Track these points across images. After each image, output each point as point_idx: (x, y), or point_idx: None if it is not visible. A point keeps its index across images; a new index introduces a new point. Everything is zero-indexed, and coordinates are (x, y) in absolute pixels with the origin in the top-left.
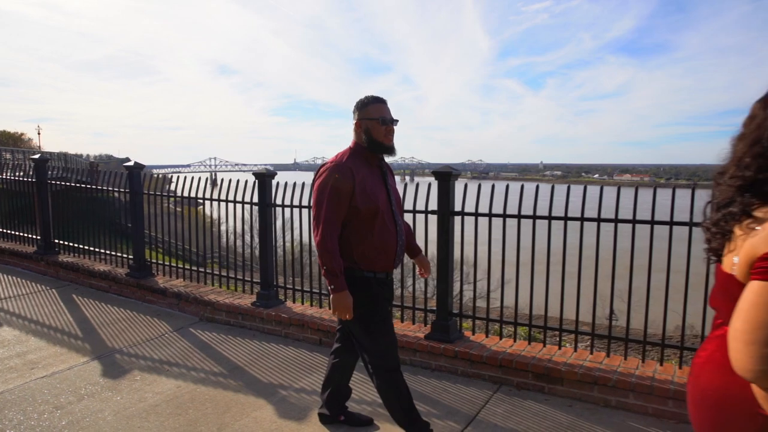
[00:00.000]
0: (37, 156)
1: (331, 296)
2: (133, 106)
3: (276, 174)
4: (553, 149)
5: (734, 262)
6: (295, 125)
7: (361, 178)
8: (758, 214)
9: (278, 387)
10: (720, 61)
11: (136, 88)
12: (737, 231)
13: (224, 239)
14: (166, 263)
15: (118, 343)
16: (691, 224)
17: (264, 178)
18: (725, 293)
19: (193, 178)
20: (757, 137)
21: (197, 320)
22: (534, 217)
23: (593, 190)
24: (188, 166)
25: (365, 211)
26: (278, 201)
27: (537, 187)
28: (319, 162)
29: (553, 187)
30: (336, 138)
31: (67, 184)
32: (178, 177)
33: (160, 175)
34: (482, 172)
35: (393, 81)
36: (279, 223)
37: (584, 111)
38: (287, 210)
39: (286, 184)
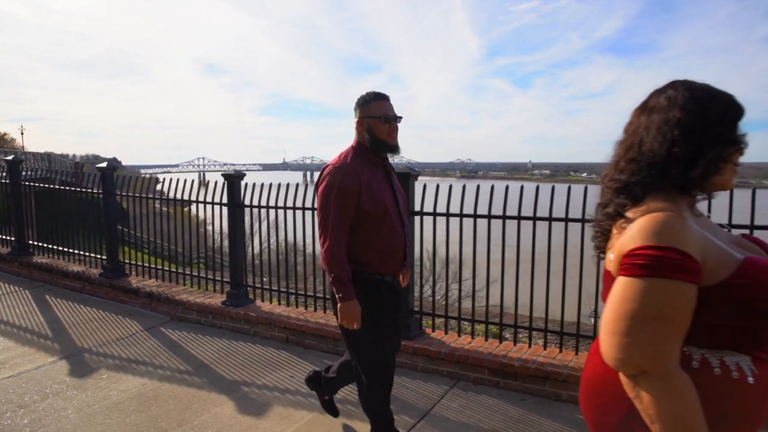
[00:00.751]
0: (10, 157)
1: (339, 305)
2: (121, 105)
3: (245, 175)
4: (542, 148)
5: (610, 258)
6: (284, 125)
7: (367, 178)
8: (630, 214)
9: (241, 384)
10: (706, 61)
11: (124, 88)
12: (614, 230)
13: (206, 240)
14: (140, 263)
15: (88, 342)
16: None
17: (233, 180)
18: (606, 288)
19: (179, 180)
20: (632, 143)
21: (168, 320)
22: (489, 216)
23: (576, 189)
24: (176, 166)
25: (373, 213)
26: (255, 202)
27: (507, 187)
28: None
29: (537, 187)
30: (325, 138)
31: (41, 185)
32: (164, 178)
33: (148, 176)
34: (471, 171)
35: (383, 80)
36: (257, 224)
37: (573, 110)
38: (263, 211)
39: (254, 184)
